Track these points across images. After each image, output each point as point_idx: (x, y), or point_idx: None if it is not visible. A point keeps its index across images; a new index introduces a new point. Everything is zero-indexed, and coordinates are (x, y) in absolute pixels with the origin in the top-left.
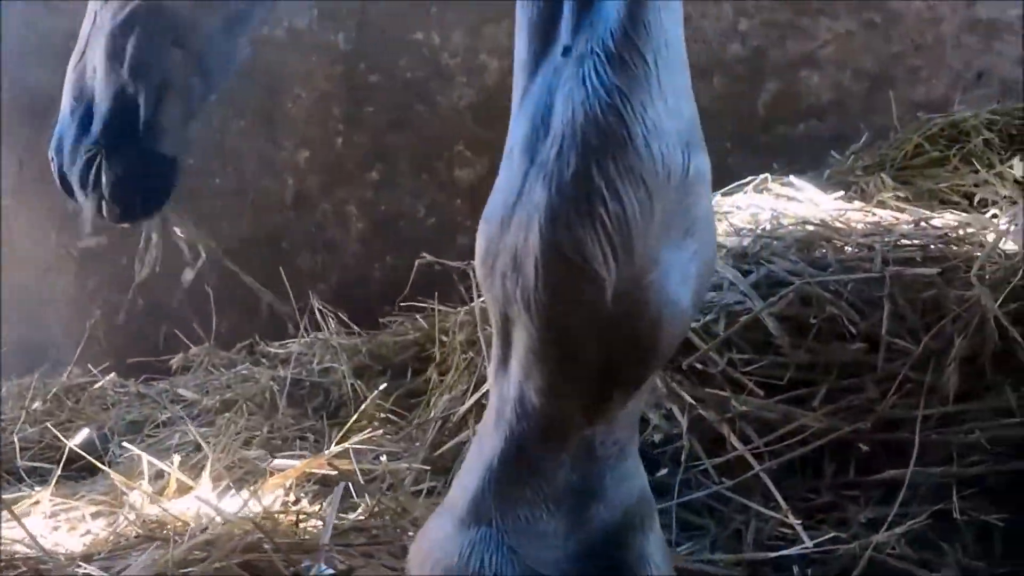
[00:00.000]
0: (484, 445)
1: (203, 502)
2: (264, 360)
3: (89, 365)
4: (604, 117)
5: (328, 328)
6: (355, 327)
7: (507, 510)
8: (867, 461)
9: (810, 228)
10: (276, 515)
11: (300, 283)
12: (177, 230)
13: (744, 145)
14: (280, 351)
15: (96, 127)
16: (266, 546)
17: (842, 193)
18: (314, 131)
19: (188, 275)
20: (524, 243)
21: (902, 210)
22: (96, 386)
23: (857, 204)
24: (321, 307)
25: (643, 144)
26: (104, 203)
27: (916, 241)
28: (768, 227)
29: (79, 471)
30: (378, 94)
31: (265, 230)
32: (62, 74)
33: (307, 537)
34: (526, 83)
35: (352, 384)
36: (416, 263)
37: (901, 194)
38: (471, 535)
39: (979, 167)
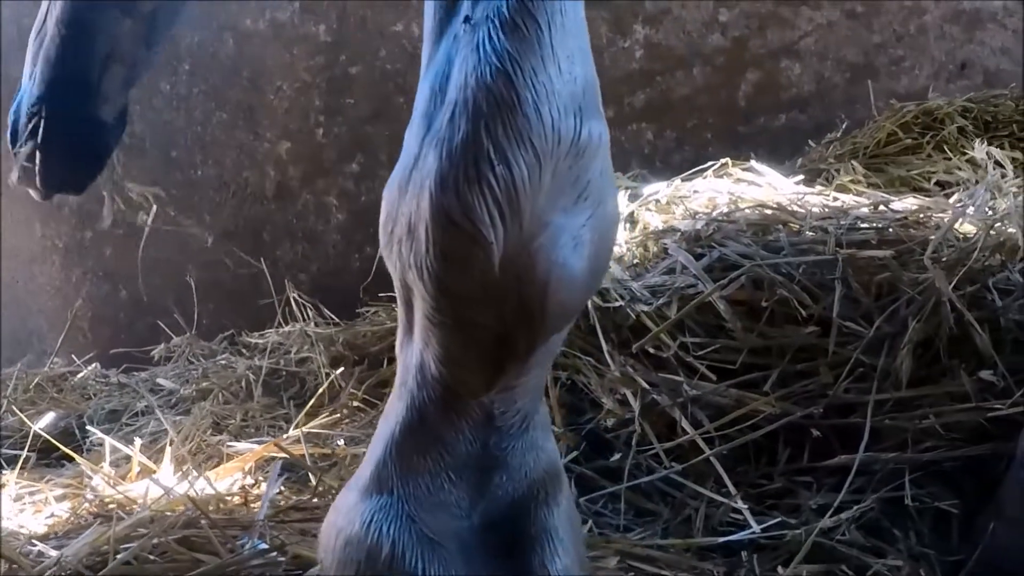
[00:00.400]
0: (389, 415)
1: (155, 483)
2: (244, 350)
3: (73, 356)
4: (494, 82)
5: (306, 318)
6: (334, 317)
7: (408, 479)
8: (821, 447)
9: (767, 212)
10: (227, 496)
11: (281, 274)
12: (129, 185)
13: (724, 136)
14: (260, 341)
15: (41, 88)
16: (203, 522)
17: (801, 178)
18: (295, 123)
19: (107, 220)
20: (417, 209)
21: (862, 194)
22: (78, 376)
23: (817, 189)
24: (298, 298)
25: (532, 108)
26: (37, 163)
27: (873, 224)
28: (725, 211)
29: (57, 459)
30: (358, 86)
31: (246, 221)
32: None
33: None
34: (431, 52)
35: (327, 373)
36: None
37: (872, 180)
38: (372, 504)
39: (951, 154)
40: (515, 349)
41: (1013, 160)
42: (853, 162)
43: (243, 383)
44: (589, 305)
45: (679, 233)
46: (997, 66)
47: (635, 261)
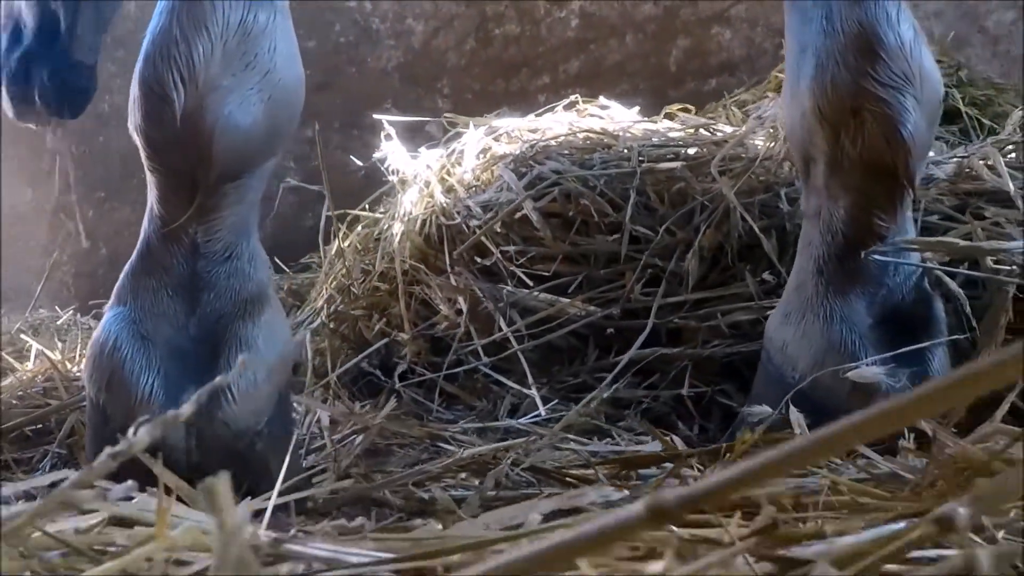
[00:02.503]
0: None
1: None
2: None
3: (56, 307)
4: None
5: None
6: (286, 268)
7: (138, 294)
8: (626, 347)
9: (591, 137)
10: None
11: None
12: None
13: (655, 100)
14: None
15: (26, 39)
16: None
17: (637, 110)
18: None
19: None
20: (133, 84)
21: (686, 123)
22: (59, 321)
23: (649, 118)
24: None
25: (208, 2)
26: (36, 103)
27: (679, 144)
28: (555, 137)
29: None
30: (312, 57)
31: None
32: None
33: None
34: None
35: None
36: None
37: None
38: (111, 313)
39: None
40: (200, 185)
41: None
42: (732, 107)
43: None
44: (433, 222)
45: (511, 156)
46: (930, 30)
47: (477, 183)
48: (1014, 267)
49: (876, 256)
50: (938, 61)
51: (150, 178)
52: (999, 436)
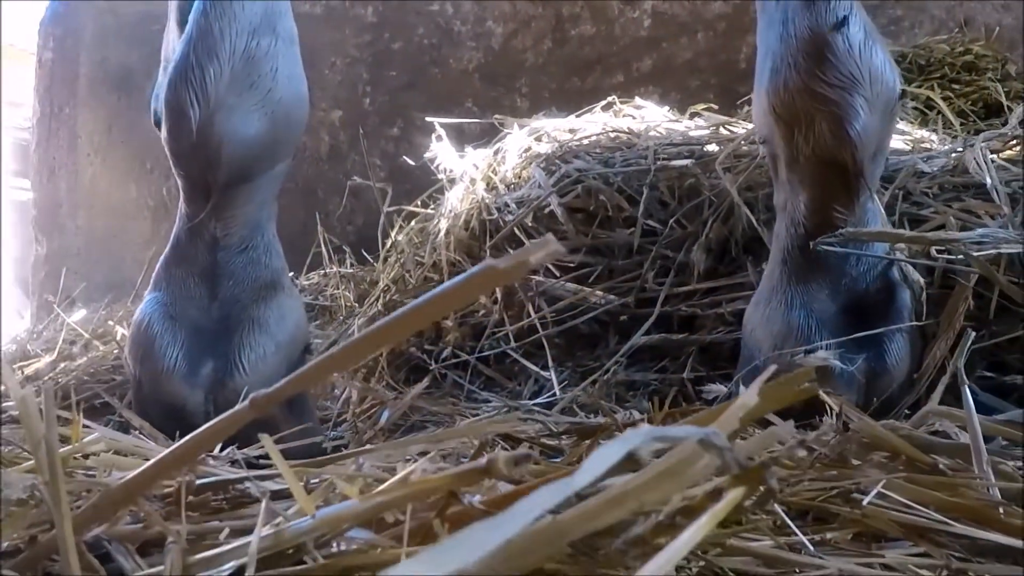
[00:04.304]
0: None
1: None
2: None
3: None
4: (203, 16)
5: (341, 262)
6: (369, 259)
7: (171, 281)
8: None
9: (620, 136)
10: None
11: (332, 225)
12: None
13: (725, 97)
14: (305, 282)
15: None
16: None
17: (668, 109)
18: (345, 93)
19: None
20: (163, 104)
21: (710, 121)
22: None
23: (678, 118)
24: (330, 241)
25: (219, 33)
26: None
27: (696, 143)
28: (586, 136)
29: None
30: (398, 59)
31: (304, 180)
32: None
33: None
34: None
35: (350, 307)
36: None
37: None
38: (149, 297)
39: None
40: (214, 186)
41: (944, 99)
42: None
43: None
44: (476, 216)
45: (542, 156)
46: (999, 22)
47: (516, 181)
48: (965, 255)
49: (824, 246)
50: (983, 55)
51: (179, 182)
52: (935, 417)
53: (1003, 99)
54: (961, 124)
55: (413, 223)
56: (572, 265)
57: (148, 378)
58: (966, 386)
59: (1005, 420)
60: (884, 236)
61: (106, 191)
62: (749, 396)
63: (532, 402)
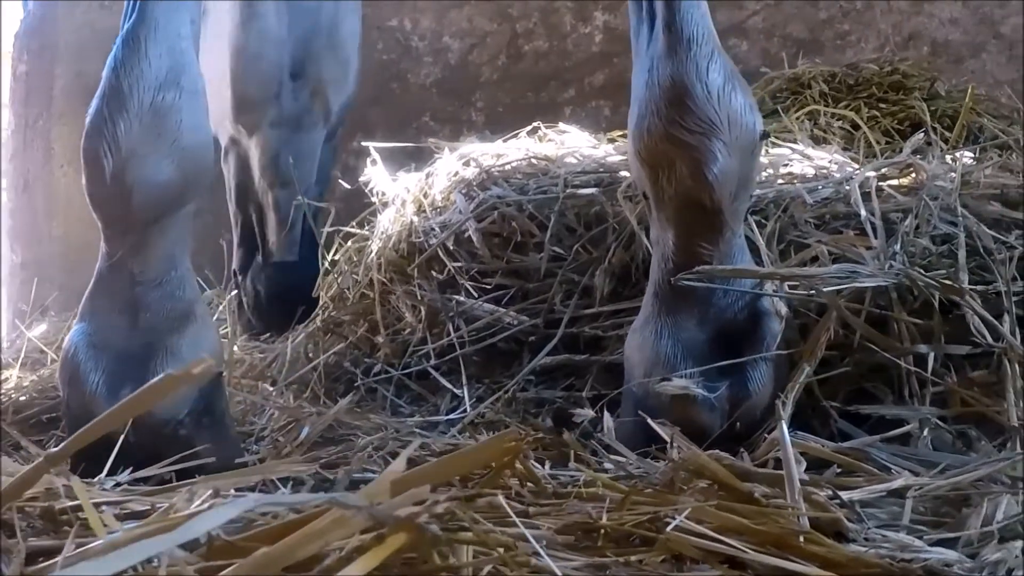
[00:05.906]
0: None
1: None
2: None
3: None
4: (113, 73)
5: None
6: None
7: (95, 313)
8: (553, 352)
9: (536, 163)
10: None
11: None
12: None
13: None
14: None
15: None
16: None
17: (588, 135)
18: None
19: None
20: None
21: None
22: None
23: (598, 144)
24: None
25: (128, 90)
26: None
27: (606, 170)
28: (507, 163)
29: None
30: (362, 76)
31: None
32: None
33: None
34: None
35: None
36: None
37: None
38: (76, 328)
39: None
40: (128, 228)
41: (871, 119)
42: None
43: None
44: (404, 238)
45: (466, 181)
46: (946, 37)
47: (442, 205)
48: (816, 291)
49: (685, 282)
50: (910, 75)
51: (99, 224)
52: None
53: (927, 118)
54: (887, 143)
55: (350, 243)
56: (489, 287)
57: (74, 400)
58: (782, 421)
59: (848, 448)
60: (741, 272)
61: (80, 202)
62: (398, 464)
63: (446, 417)
